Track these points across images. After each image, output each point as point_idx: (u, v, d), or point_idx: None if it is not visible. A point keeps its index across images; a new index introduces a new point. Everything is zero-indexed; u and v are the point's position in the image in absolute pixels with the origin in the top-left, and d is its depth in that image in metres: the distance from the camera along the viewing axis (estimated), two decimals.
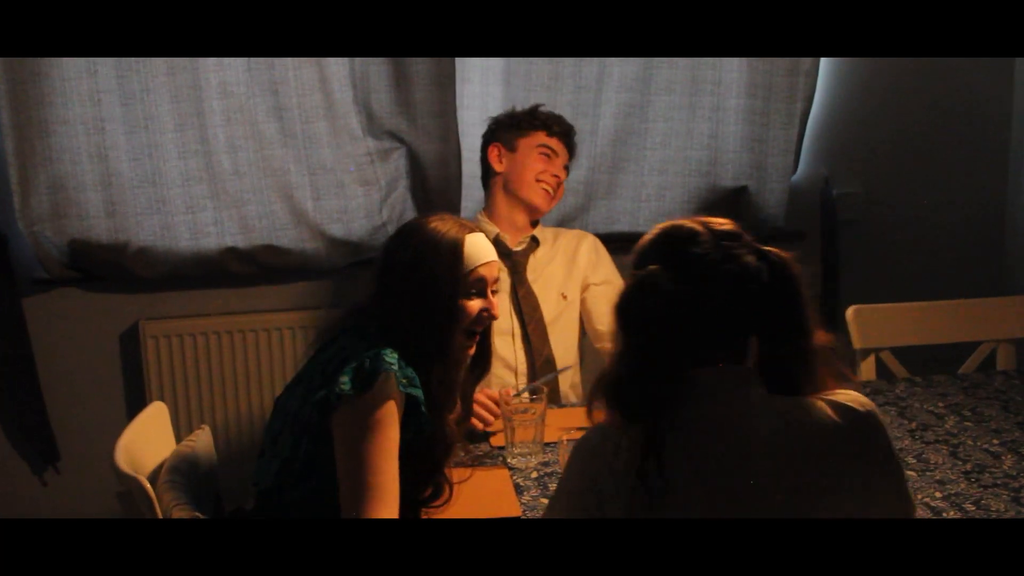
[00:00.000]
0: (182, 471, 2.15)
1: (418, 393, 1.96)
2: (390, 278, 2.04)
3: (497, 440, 2.46)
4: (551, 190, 2.94)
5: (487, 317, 2.11)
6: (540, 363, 2.78)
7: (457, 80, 3.33)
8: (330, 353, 2.01)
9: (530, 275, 2.92)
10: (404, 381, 1.94)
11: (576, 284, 2.97)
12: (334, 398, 1.91)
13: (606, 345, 2.78)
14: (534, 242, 2.96)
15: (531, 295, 2.89)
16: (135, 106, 3.19)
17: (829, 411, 1.54)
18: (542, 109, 3.04)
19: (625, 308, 1.57)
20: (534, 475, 2.30)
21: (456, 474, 2.12)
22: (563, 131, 2.99)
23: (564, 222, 3.58)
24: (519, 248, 2.96)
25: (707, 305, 1.54)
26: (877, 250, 3.78)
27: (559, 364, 2.89)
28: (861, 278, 3.74)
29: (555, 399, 2.83)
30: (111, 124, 3.19)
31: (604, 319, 2.88)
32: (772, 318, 1.56)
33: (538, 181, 2.92)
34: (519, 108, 3.09)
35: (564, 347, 2.94)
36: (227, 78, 3.22)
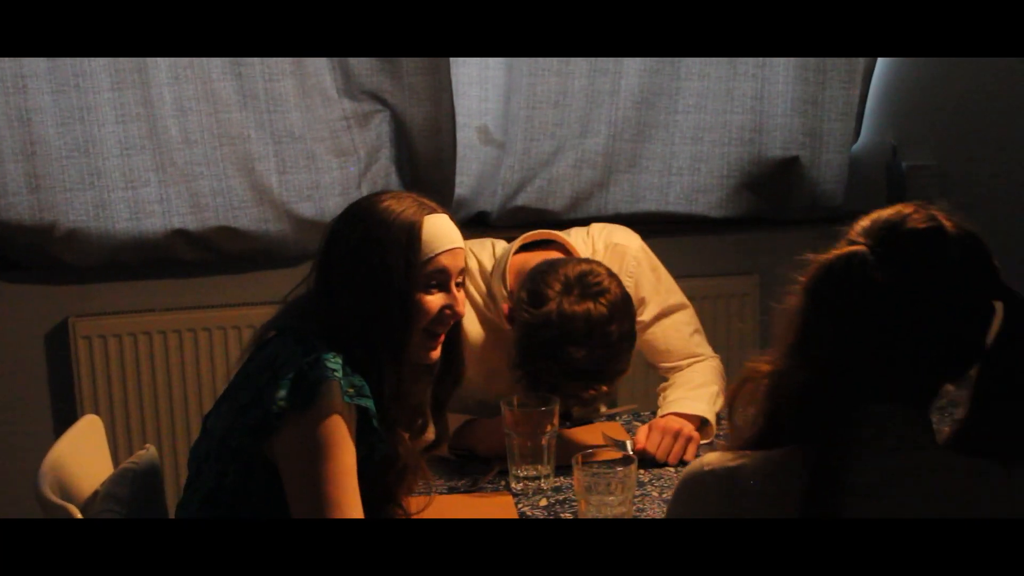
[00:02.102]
0: (121, 500, 2.14)
1: (368, 404, 1.94)
2: (332, 268, 2.03)
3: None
4: None
5: (451, 315, 2.08)
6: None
7: None
8: (260, 362, 2.00)
9: None
10: (350, 391, 1.92)
11: None
12: (272, 418, 1.90)
13: (671, 374, 2.71)
14: None
15: None
16: (64, 60, 3.17)
17: None
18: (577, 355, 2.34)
19: (817, 285, 1.49)
20: (543, 503, 2.27)
21: (413, 503, 2.12)
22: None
23: (578, 201, 3.59)
24: None
25: (924, 323, 1.46)
26: None
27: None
28: None
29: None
30: (34, 82, 3.17)
31: (670, 351, 2.72)
32: (995, 369, 1.50)
33: None
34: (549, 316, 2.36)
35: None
36: None
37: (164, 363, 3.40)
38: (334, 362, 1.92)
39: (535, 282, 2.40)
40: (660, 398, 2.66)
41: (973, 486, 1.47)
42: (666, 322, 2.75)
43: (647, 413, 2.71)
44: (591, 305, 2.34)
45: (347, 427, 1.91)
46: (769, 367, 1.51)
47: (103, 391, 3.38)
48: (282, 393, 1.90)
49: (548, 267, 2.43)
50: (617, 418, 2.71)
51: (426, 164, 3.44)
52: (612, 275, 2.42)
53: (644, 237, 3.27)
